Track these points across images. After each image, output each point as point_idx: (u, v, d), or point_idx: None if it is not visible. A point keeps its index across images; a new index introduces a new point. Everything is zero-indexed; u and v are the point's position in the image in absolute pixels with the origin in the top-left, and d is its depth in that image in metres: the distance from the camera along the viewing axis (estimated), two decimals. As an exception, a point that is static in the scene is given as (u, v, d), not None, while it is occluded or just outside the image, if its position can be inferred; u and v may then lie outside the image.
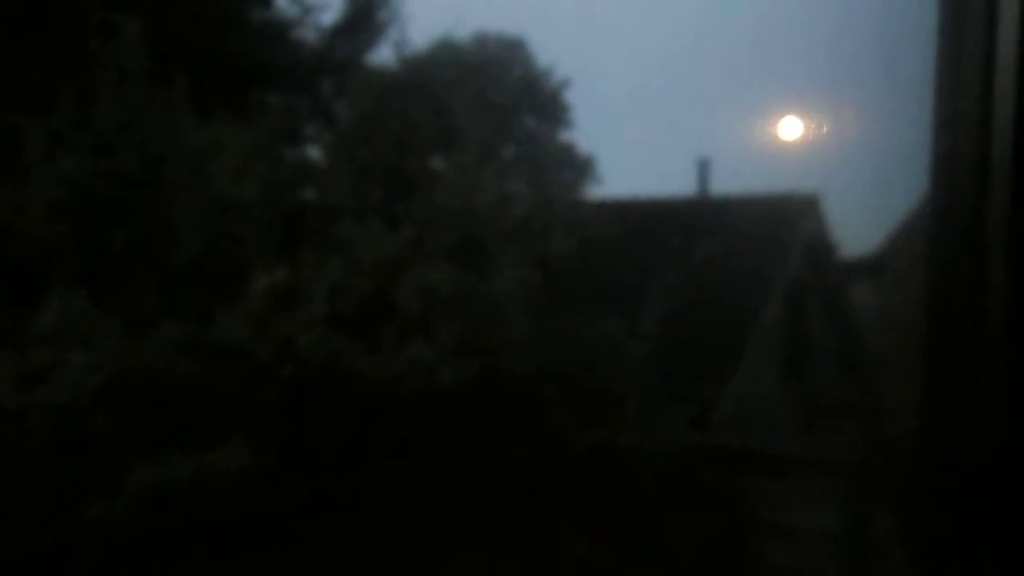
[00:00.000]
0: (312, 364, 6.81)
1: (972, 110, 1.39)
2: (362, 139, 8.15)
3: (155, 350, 6.49)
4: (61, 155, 6.81)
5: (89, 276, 6.78)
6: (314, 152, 10.05)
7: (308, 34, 11.48)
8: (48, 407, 6.07)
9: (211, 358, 6.67)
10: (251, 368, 6.78)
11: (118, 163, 6.96)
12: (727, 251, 11.90)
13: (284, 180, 7.73)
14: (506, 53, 9.71)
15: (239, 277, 6.96)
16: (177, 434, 6.38)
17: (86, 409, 6.16)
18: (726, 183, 13.36)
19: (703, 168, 13.36)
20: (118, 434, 6.26)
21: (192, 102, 7.33)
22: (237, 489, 6.38)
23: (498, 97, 9.01)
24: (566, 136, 9.69)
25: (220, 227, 7.11)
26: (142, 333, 6.55)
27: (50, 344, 6.28)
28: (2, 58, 7.71)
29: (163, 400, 6.50)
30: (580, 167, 9.40)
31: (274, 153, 7.65)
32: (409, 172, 8.27)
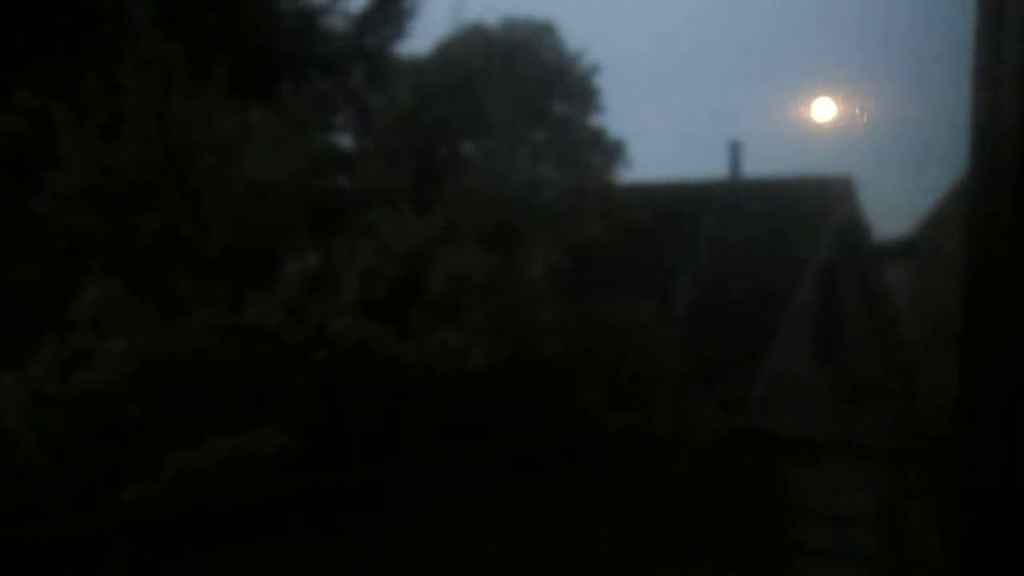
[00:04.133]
0: (344, 348, 6.84)
1: (1012, 88, 1.38)
2: (395, 127, 8.16)
3: (190, 336, 6.55)
4: (93, 143, 6.87)
5: (125, 263, 6.85)
6: (345, 140, 10.09)
7: (337, 22, 11.51)
8: (86, 392, 6.15)
9: (245, 343, 6.73)
10: (284, 353, 6.83)
11: (147, 151, 7.02)
12: (759, 234, 11.83)
13: (316, 166, 7.76)
14: (535, 38, 9.67)
15: (272, 263, 7.01)
16: (212, 418, 6.44)
17: (123, 394, 6.24)
18: (758, 166, 13.31)
19: (735, 151, 13.29)
20: (155, 418, 6.34)
21: (224, 91, 7.38)
22: (272, 472, 6.43)
23: (528, 82, 8.97)
24: (597, 120, 9.63)
25: (252, 212, 7.15)
26: (177, 319, 6.62)
27: (87, 331, 6.36)
28: (32, 48, 7.79)
29: (198, 385, 6.57)
30: (611, 151, 9.34)
31: (306, 139, 7.67)
32: (440, 158, 8.28)
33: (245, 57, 8.67)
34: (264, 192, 7.18)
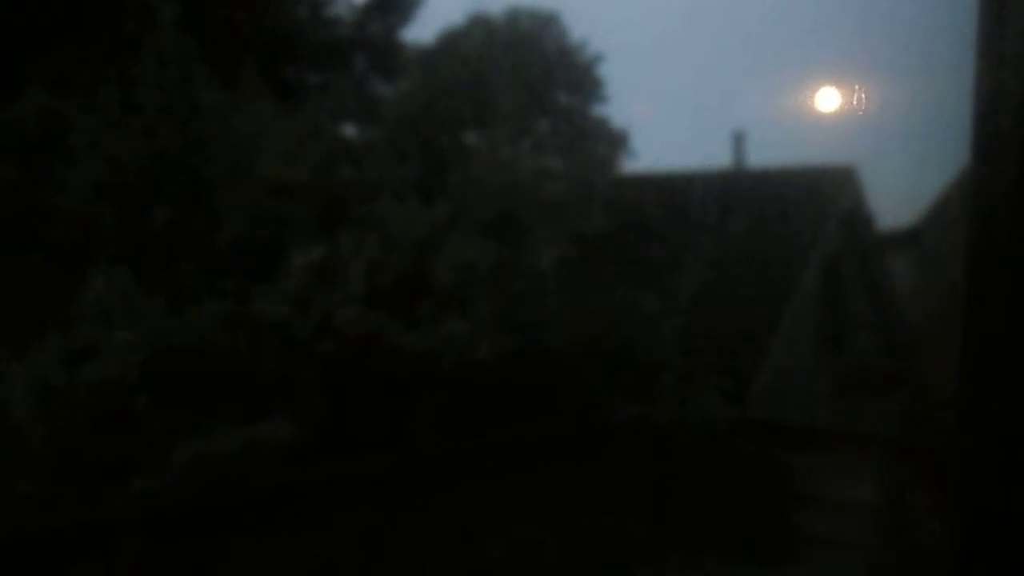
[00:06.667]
0: (351, 340, 6.86)
1: (1016, 75, 1.38)
2: (404, 120, 8.17)
3: (197, 327, 6.57)
4: (106, 137, 6.89)
5: (132, 255, 6.87)
6: (349, 129, 10.10)
7: (341, 11, 11.51)
8: (94, 384, 6.17)
9: (252, 335, 6.75)
10: (291, 344, 6.85)
11: (160, 144, 7.03)
12: (763, 224, 11.83)
13: (325, 159, 7.77)
14: (539, 28, 9.68)
15: (279, 255, 7.03)
16: (220, 409, 6.47)
17: (131, 385, 6.26)
18: (762, 155, 13.29)
19: (739, 141, 13.27)
20: (163, 409, 6.37)
21: (229, 82, 7.39)
22: (279, 463, 6.46)
23: (531, 72, 8.98)
24: (600, 110, 9.66)
25: (265, 209, 7.17)
26: (184, 311, 6.64)
27: (95, 322, 6.38)
28: (48, 42, 7.80)
29: (206, 376, 6.59)
30: (614, 141, 9.35)
31: (322, 141, 7.69)
32: (445, 149, 8.29)
33: (250, 48, 8.67)
34: (279, 190, 7.20)
